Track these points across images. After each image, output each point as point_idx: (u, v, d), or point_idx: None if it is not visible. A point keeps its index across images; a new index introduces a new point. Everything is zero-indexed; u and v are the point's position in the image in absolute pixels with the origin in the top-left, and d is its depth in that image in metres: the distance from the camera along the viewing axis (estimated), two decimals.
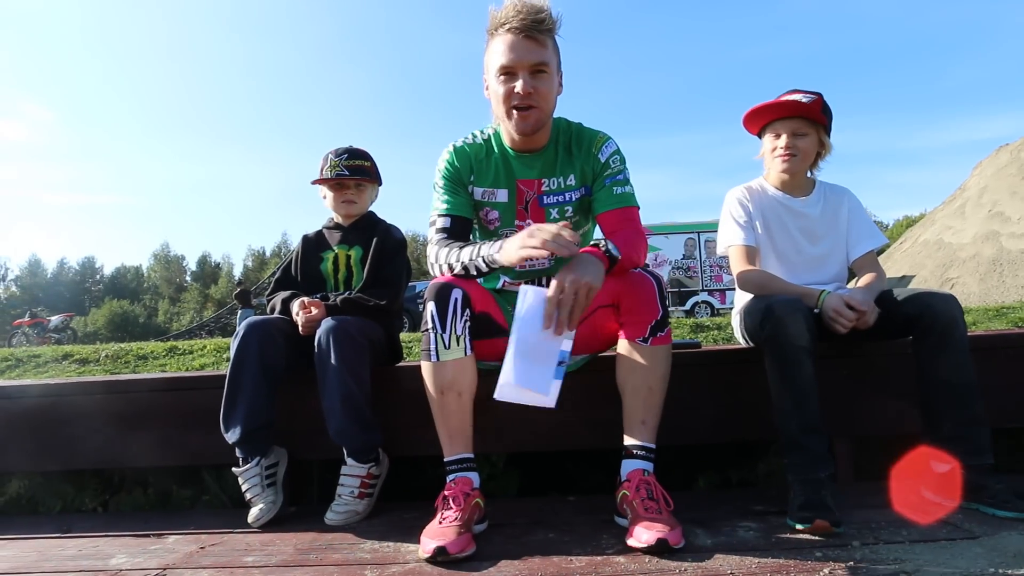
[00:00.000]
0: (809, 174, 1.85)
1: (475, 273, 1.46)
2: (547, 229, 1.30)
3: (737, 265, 1.77)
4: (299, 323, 1.71)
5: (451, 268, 1.47)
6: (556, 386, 1.34)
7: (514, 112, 1.49)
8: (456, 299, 1.41)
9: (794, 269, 1.79)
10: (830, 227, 1.81)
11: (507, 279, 1.72)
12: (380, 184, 1.99)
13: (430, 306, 1.42)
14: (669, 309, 1.47)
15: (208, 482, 1.96)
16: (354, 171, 1.89)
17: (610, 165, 1.58)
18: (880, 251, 1.86)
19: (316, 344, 1.61)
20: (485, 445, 1.53)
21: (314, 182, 1.93)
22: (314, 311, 1.70)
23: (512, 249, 1.34)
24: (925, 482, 1.50)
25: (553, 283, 1.30)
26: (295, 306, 1.74)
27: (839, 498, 1.39)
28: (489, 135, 1.64)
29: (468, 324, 1.42)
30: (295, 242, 2.04)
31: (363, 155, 1.93)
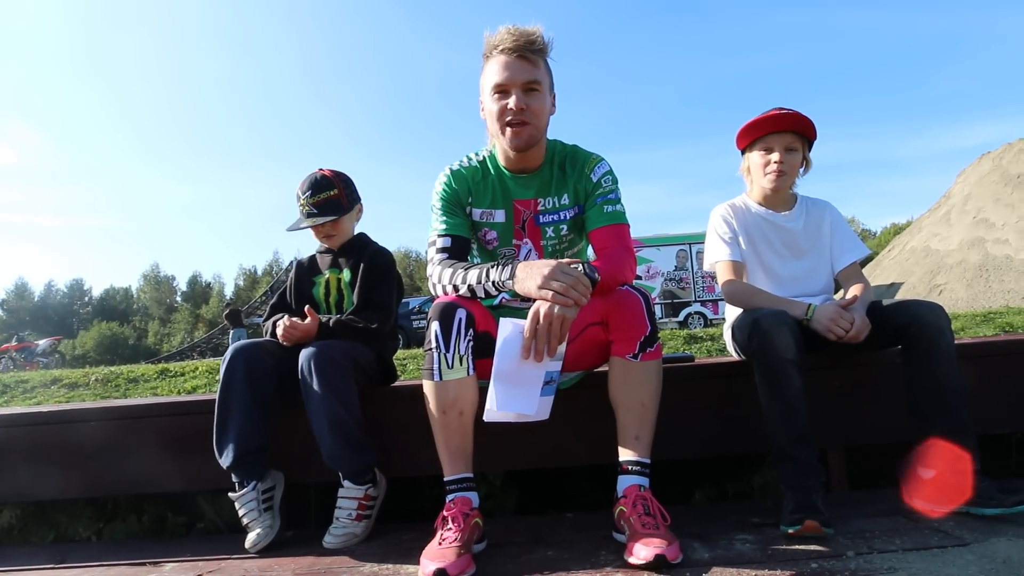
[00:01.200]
0: (791, 189, 1.90)
1: (482, 296, 1.48)
2: (573, 272, 1.33)
3: (724, 280, 1.81)
4: (279, 334, 1.71)
5: (456, 289, 1.49)
6: (546, 402, 1.42)
7: (508, 128, 1.53)
8: (460, 319, 1.42)
9: (782, 283, 1.83)
10: (814, 240, 1.86)
11: (506, 297, 1.74)
12: (357, 203, 1.93)
13: (434, 326, 1.43)
14: (658, 324, 1.49)
15: (204, 507, 1.94)
16: (322, 208, 1.83)
17: (602, 185, 1.62)
18: (864, 262, 1.90)
19: (299, 372, 1.61)
20: (483, 463, 1.53)
21: (289, 230, 1.87)
22: (308, 320, 1.71)
23: (531, 284, 1.36)
24: (913, 489, 1.52)
25: (529, 316, 1.34)
26: (282, 321, 1.74)
27: (832, 507, 1.41)
28: (484, 157, 1.68)
29: (471, 344, 1.44)
30: (286, 261, 2.07)
31: (328, 185, 1.85)
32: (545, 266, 1.35)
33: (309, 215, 1.84)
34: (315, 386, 1.57)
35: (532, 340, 1.33)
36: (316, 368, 1.57)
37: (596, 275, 1.40)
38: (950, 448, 1.47)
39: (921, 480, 1.50)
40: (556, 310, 1.32)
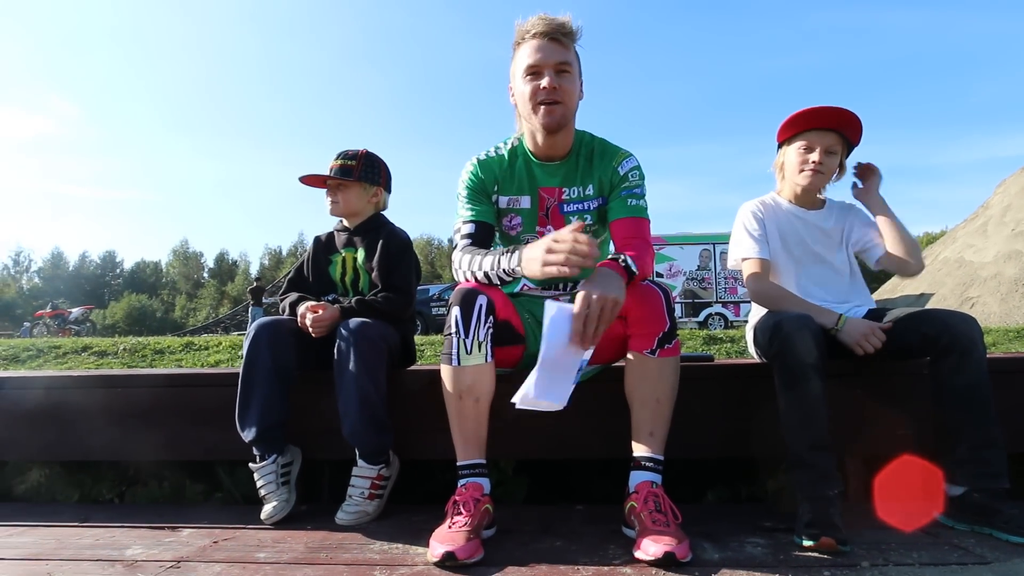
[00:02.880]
0: (822, 192, 1.86)
1: (497, 283, 1.48)
2: (564, 239, 1.29)
3: (751, 278, 1.77)
4: (307, 324, 1.72)
5: (474, 276, 1.50)
6: (570, 391, 1.38)
7: (540, 107, 1.53)
8: (481, 306, 1.43)
9: (812, 279, 1.79)
10: (845, 242, 1.83)
11: (528, 284, 1.74)
12: (374, 184, 1.92)
13: (455, 311, 1.44)
14: (677, 321, 1.48)
15: (222, 478, 1.99)
16: (335, 172, 1.88)
17: (628, 179, 1.61)
18: (889, 273, 1.86)
19: (336, 346, 1.63)
20: (495, 450, 1.54)
21: (299, 177, 1.90)
22: (321, 312, 1.72)
23: (534, 265, 1.34)
24: (937, 505, 1.49)
25: (578, 299, 1.30)
26: (302, 308, 1.76)
27: (848, 517, 1.38)
28: (513, 145, 1.68)
29: (491, 331, 1.44)
30: (311, 242, 2.06)
31: (352, 156, 1.90)
32: (542, 244, 1.32)
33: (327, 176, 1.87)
34: (351, 363, 1.59)
35: (582, 325, 1.29)
36: (355, 346, 1.60)
37: (635, 267, 1.41)
38: (979, 465, 1.43)
39: (947, 497, 1.46)
40: (609, 295, 1.28)
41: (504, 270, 1.43)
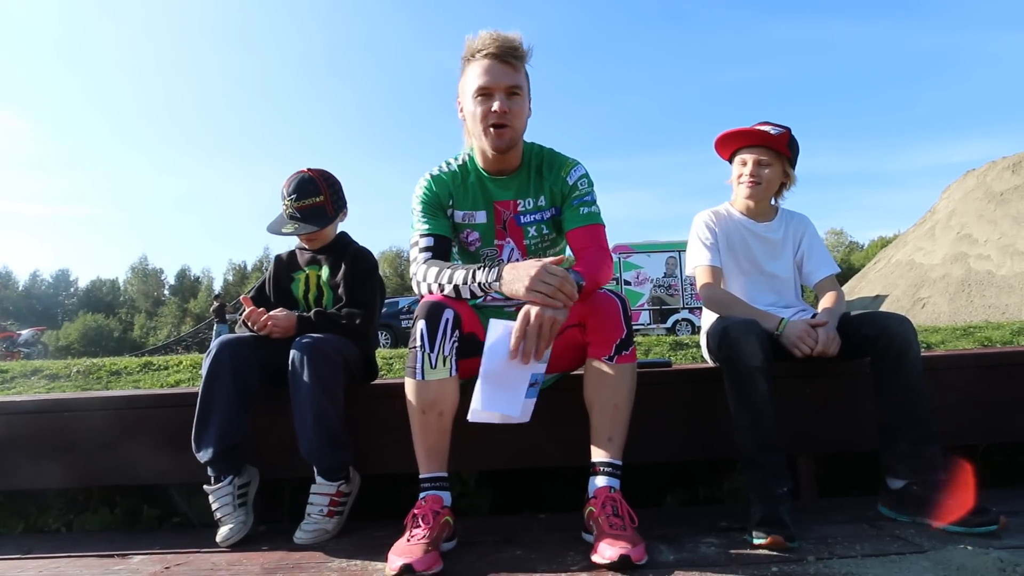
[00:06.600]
0: (773, 202, 1.94)
1: (467, 296, 1.49)
2: (558, 274, 1.35)
3: (703, 285, 1.84)
4: (257, 323, 1.68)
5: (441, 288, 1.50)
6: (528, 404, 1.42)
7: (491, 130, 1.56)
8: (447, 320, 1.44)
9: (757, 288, 1.86)
10: (791, 252, 1.91)
11: (493, 295, 1.75)
12: (342, 210, 1.90)
13: (420, 324, 1.44)
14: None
15: (177, 501, 1.93)
16: (306, 215, 1.81)
17: (578, 187, 1.65)
18: (838, 279, 1.94)
19: (290, 362, 1.61)
20: (457, 463, 1.54)
21: (269, 231, 1.84)
22: (277, 315, 1.70)
23: (518, 287, 1.37)
24: (881, 498, 1.56)
25: (519, 317, 1.35)
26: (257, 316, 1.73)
27: (799, 514, 1.43)
28: (464, 160, 1.70)
29: (456, 345, 1.45)
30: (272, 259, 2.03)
31: (315, 191, 1.81)
32: (532, 267, 1.37)
33: (292, 218, 1.82)
34: (305, 378, 1.57)
35: (521, 341, 1.34)
36: (308, 361, 1.58)
37: (582, 281, 1.43)
38: (917, 459, 1.50)
39: (888, 490, 1.53)
40: (547, 313, 1.33)
41: (480, 283, 1.45)
